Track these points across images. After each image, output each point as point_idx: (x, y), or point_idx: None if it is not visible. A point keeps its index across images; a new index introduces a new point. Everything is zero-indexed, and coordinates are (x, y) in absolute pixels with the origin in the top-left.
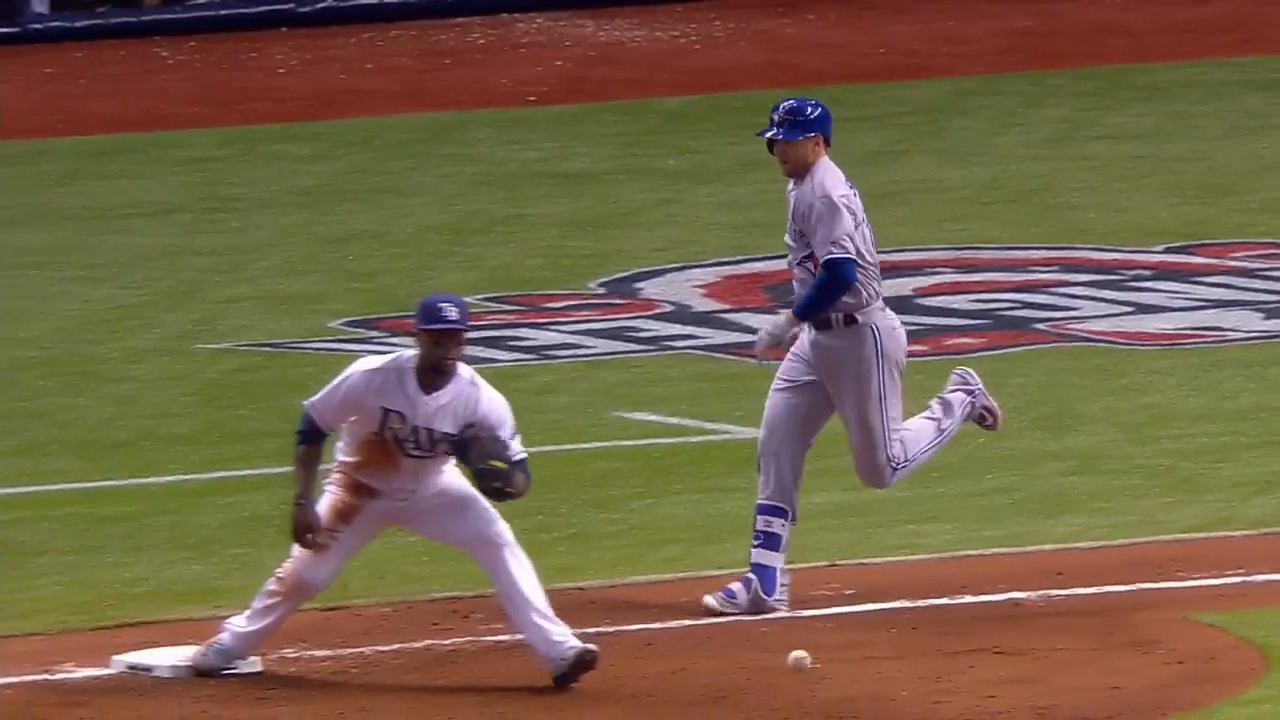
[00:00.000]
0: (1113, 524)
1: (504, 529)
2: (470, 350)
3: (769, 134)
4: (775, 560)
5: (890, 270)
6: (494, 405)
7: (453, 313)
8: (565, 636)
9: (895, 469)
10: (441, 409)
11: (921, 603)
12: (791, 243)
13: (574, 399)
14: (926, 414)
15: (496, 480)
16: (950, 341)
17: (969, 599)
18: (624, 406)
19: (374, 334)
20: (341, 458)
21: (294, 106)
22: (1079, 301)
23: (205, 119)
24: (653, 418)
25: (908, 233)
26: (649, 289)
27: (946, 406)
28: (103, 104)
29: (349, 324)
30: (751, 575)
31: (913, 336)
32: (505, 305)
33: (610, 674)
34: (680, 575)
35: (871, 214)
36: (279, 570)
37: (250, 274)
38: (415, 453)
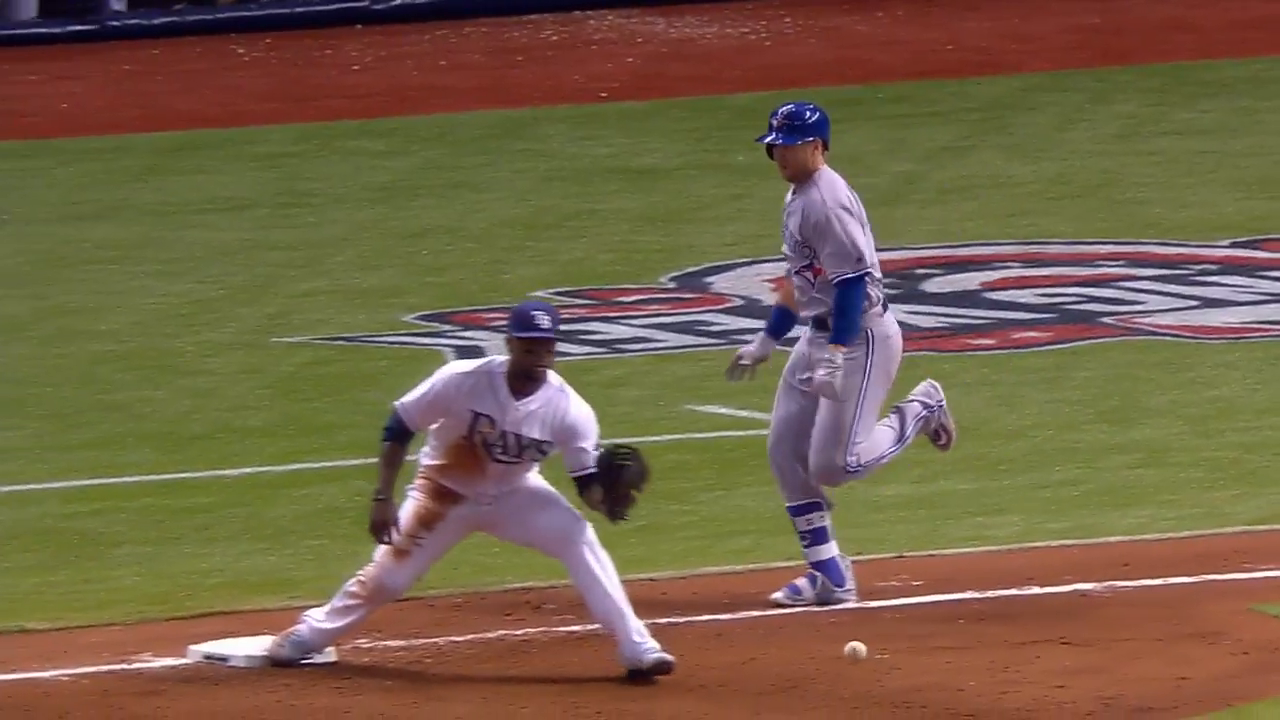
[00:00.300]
0: (1179, 516)
1: (587, 525)
2: None
3: (768, 139)
4: (829, 551)
5: (957, 264)
6: (581, 414)
7: (545, 321)
8: (644, 637)
9: (850, 472)
10: (530, 415)
11: (989, 594)
12: (790, 252)
13: (645, 392)
14: (886, 421)
15: (626, 507)
16: (1017, 335)
17: (1036, 590)
18: (695, 399)
19: (447, 328)
20: (427, 462)
21: (369, 103)
22: (1145, 296)
23: (281, 115)
24: (723, 410)
25: (975, 227)
26: (719, 283)
27: (902, 417)
28: (180, 100)
29: (422, 318)
30: (814, 573)
31: (979, 330)
32: (577, 299)
33: (681, 664)
34: (750, 567)
35: (939, 209)
36: (361, 573)
37: (325, 268)
38: (502, 458)
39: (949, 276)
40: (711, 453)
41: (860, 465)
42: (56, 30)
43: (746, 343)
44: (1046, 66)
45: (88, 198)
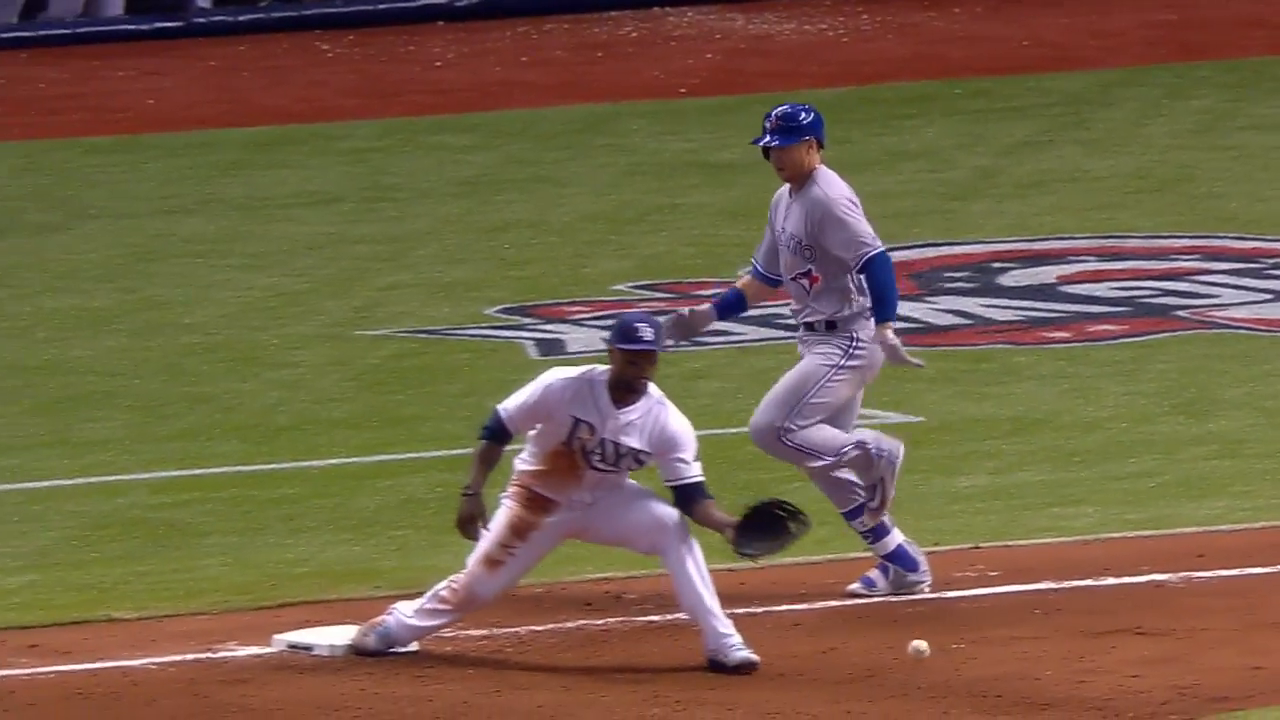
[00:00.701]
0: (1254, 507)
1: (680, 517)
2: None
3: (763, 141)
4: (894, 541)
5: (1034, 258)
6: (680, 426)
7: (648, 334)
8: (731, 633)
9: (780, 439)
10: (630, 424)
11: (1065, 584)
12: (790, 256)
13: (725, 384)
14: (841, 434)
15: (757, 556)
16: (1092, 328)
17: (1112, 581)
18: None
19: (528, 321)
20: (522, 468)
21: (452, 98)
22: (1220, 290)
23: (366, 110)
24: None
25: (1053, 221)
26: None
27: (858, 442)
28: (266, 96)
29: (504, 311)
30: (886, 564)
31: (1055, 323)
32: (657, 292)
33: (761, 654)
34: (829, 557)
35: (1016, 203)
36: (454, 579)
37: (409, 262)
38: (600, 466)
39: (1026, 270)
40: None
41: (794, 442)
42: (144, 27)
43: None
44: (1124, 62)
45: (176, 192)
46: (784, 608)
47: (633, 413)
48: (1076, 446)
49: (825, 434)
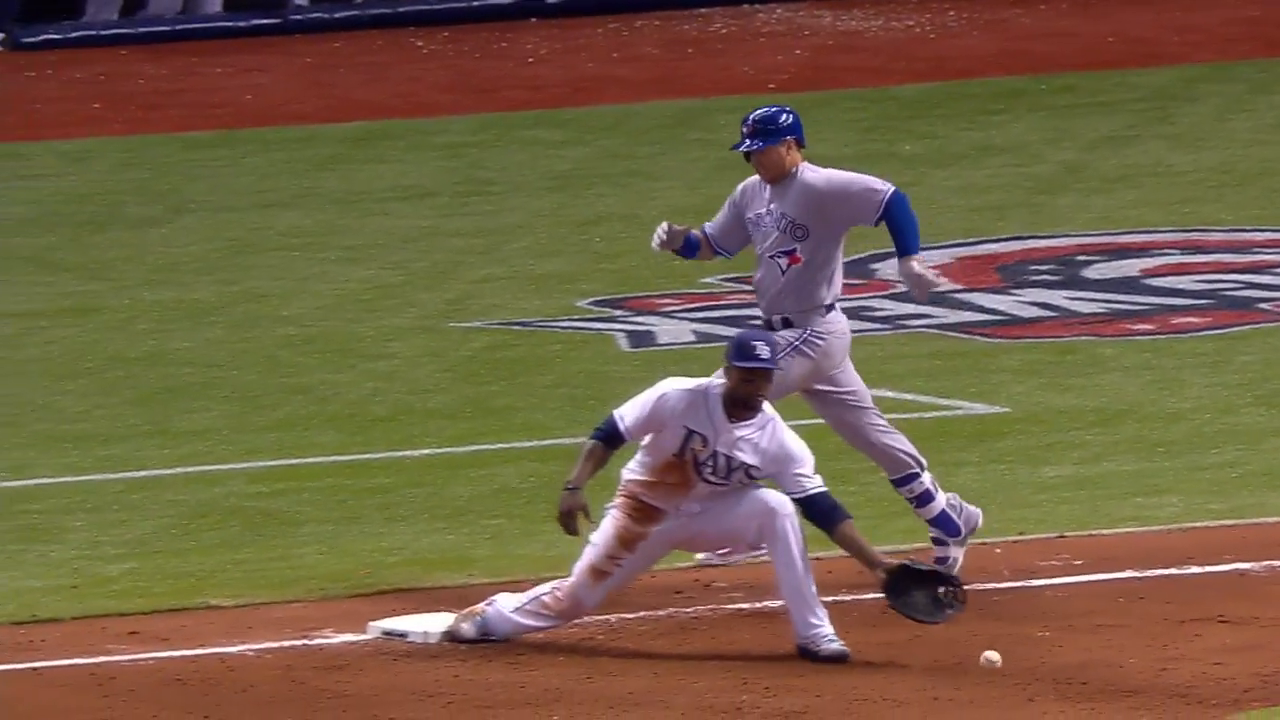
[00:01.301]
0: None
1: (790, 504)
2: (713, 329)
3: (743, 146)
4: (937, 506)
5: (1118, 251)
6: (796, 441)
7: (765, 351)
8: (822, 622)
9: None
10: (743, 439)
11: (1149, 573)
12: (776, 234)
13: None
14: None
15: (894, 601)
16: (1176, 320)
17: (1195, 569)
18: None
19: (619, 313)
20: (631, 477)
21: (546, 94)
22: None
23: (461, 106)
24: (889, 393)
25: (1137, 215)
26: (885, 270)
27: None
28: (362, 91)
29: (596, 303)
30: (937, 537)
31: (1139, 316)
32: (745, 285)
33: (848, 642)
34: (916, 546)
35: (1101, 197)
36: (558, 586)
37: (503, 255)
38: (711, 478)
39: (1110, 263)
40: None
41: None
42: (242, 24)
43: (906, 327)
44: (1208, 58)
45: (274, 186)
46: (871, 596)
47: (747, 428)
48: (1160, 437)
49: None
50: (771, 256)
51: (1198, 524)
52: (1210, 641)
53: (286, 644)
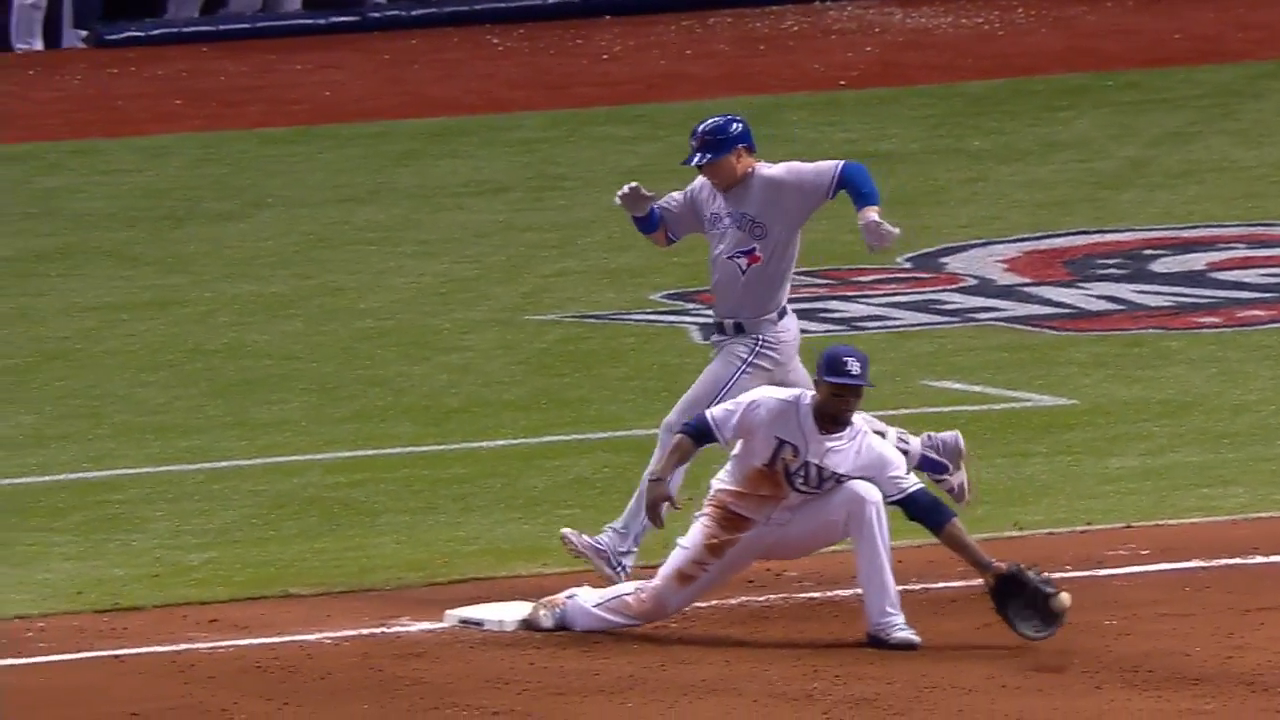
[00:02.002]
0: None
1: (877, 491)
2: None
3: (694, 161)
4: (915, 454)
5: (1184, 246)
6: (885, 447)
7: (856, 368)
8: (897, 611)
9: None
10: (834, 449)
11: (1215, 562)
12: (735, 233)
13: (883, 368)
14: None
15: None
16: (1242, 314)
17: (1260, 559)
18: (931, 375)
19: (691, 306)
20: (721, 487)
21: (618, 90)
22: None
23: (534, 102)
24: (958, 386)
25: (1202, 210)
26: (953, 263)
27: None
28: (438, 88)
29: (668, 297)
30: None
31: (1205, 309)
32: (818, 279)
33: (918, 630)
34: (984, 536)
35: (1166, 192)
36: (641, 587)
37: (576, 249)
38: (803, 488)
39: (1176, 257)
40: (946, 426)
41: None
42: (320, 22)
43: (975, 320)
44: (1272, 54)
45: (350, 182)
46: (940, 585)
47: (838, 439)
48: (1226, 429)
49: None
50: (730, 257)
51: (1263, 514)
52: (1275, 630)
53: (364, 632)
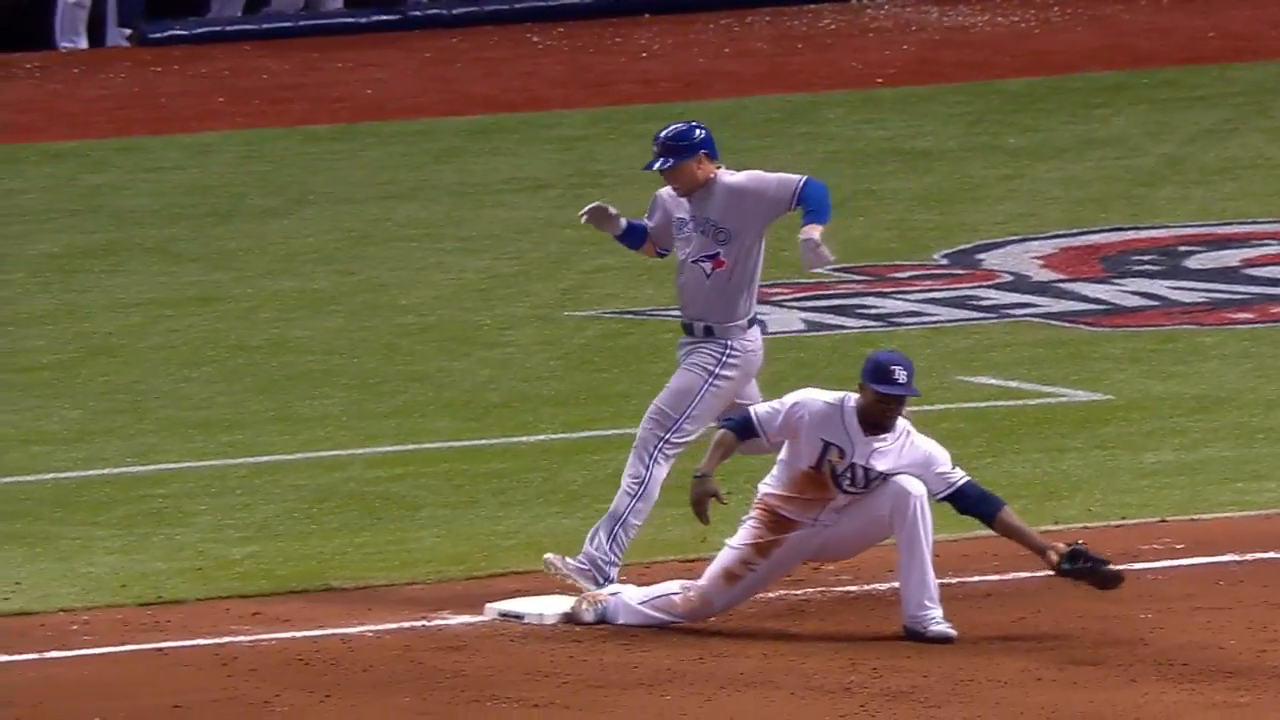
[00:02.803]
0: None
1: (921, 486)
2: (820, 318)
3: (655, 165)
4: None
5: (1219, 242)
6: (931, 445)
7: (903, 376)
8: (935, 605)
9: (648, 459)
10: (879, 450)
11: (1249, 556)
12: (700, 239)
13: (919, 363)
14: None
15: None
16: (1276, 310)
17: None
18: (966, 371)
19: None
20: (768, 491)
21: (657, 88)
22: None
23: (575, 100)
24: (994, 381)
25: (1236, 207)
26: (989, 260)
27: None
28: (479, 86)
29: None
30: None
31: (1239, 305)
32: (854, 275)
33: (954, 623)
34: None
35: (1201, 189)
36: (689, 585)
37: (615, 246)
38: (850, 489)
39: (1211, 254)
40: (983, 421)
41: (653, 470)
42: (362, 20)
43: (1011, 316)
44: None
45: (392, 179)
46: (976, 578)
47: (883, 439)
48: (1260, 424)
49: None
50: (695, 262)
51: None
52: None
53: (405, 625)
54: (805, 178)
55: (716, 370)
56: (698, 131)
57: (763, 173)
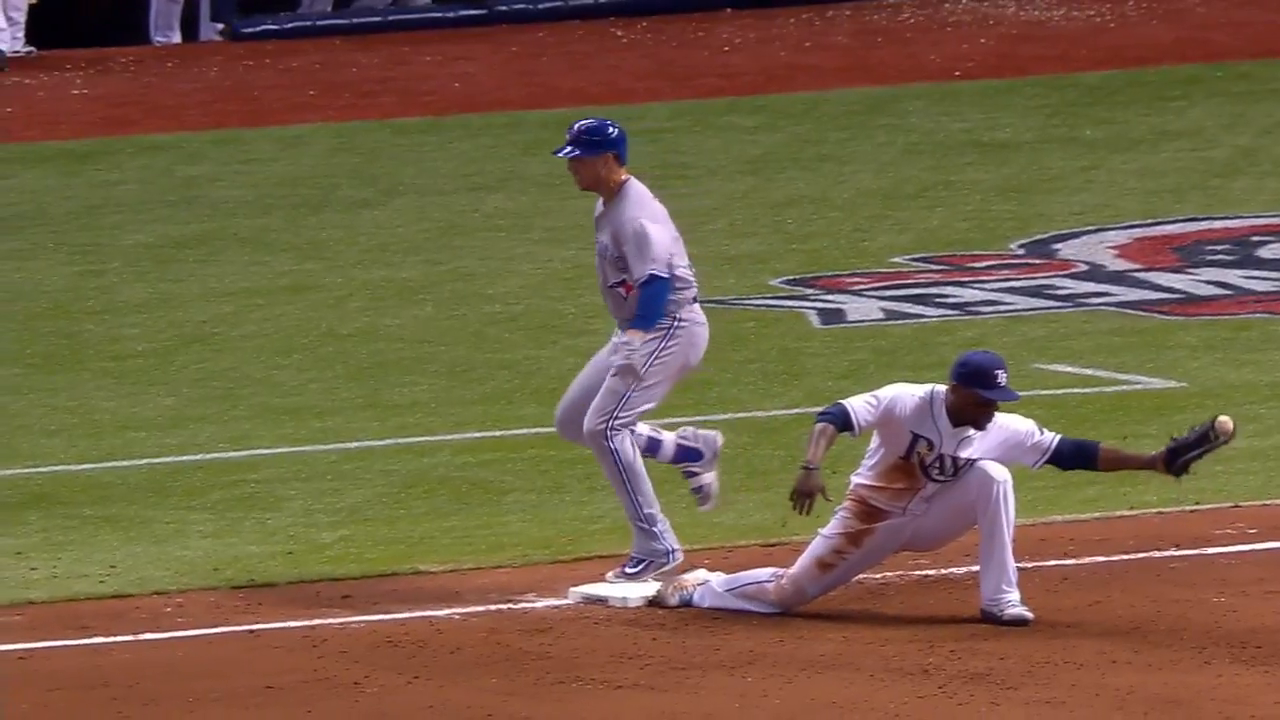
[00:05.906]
0: None
1: (1005, 471)
2: (899, 307)
3: (563, 152)
4: (669, 448)
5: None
6: (1014, 419)
7: (1004, 380)
8: (1011, 589)
9: (607, 443)
10: (967, 439)
11: None
12: (607, 269)
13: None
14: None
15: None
16: None
17: None
18: (1044, 359)
19: (810, 292)
20: (860, 481)
21: (740, 81)
22: None
23: (659, 93)
24: (1070, 369)
25: None
26: (1065, 250)
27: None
28: (565, 79)
29: (788, 282)
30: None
31: None
32: (932, 265)
33: (1031, 606)
34: (1096, 515)
35: (1275, 180)
36: (780, 573)
37: (699, 236)
38: (939, 478)
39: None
40: (1059, 409)
41: (615, 444)
42: (450, 15)
43: (1087, 305)
44: None
45: (480, 170)
46: (1052, 563)
47: (972, 431)
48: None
49: (645, 436)
50: (610, 287)
51: None
52: None
53: (492, 608)
54: (651, 272)
55: (664, 343)
56: (611, 129)
57: (635, 229)
